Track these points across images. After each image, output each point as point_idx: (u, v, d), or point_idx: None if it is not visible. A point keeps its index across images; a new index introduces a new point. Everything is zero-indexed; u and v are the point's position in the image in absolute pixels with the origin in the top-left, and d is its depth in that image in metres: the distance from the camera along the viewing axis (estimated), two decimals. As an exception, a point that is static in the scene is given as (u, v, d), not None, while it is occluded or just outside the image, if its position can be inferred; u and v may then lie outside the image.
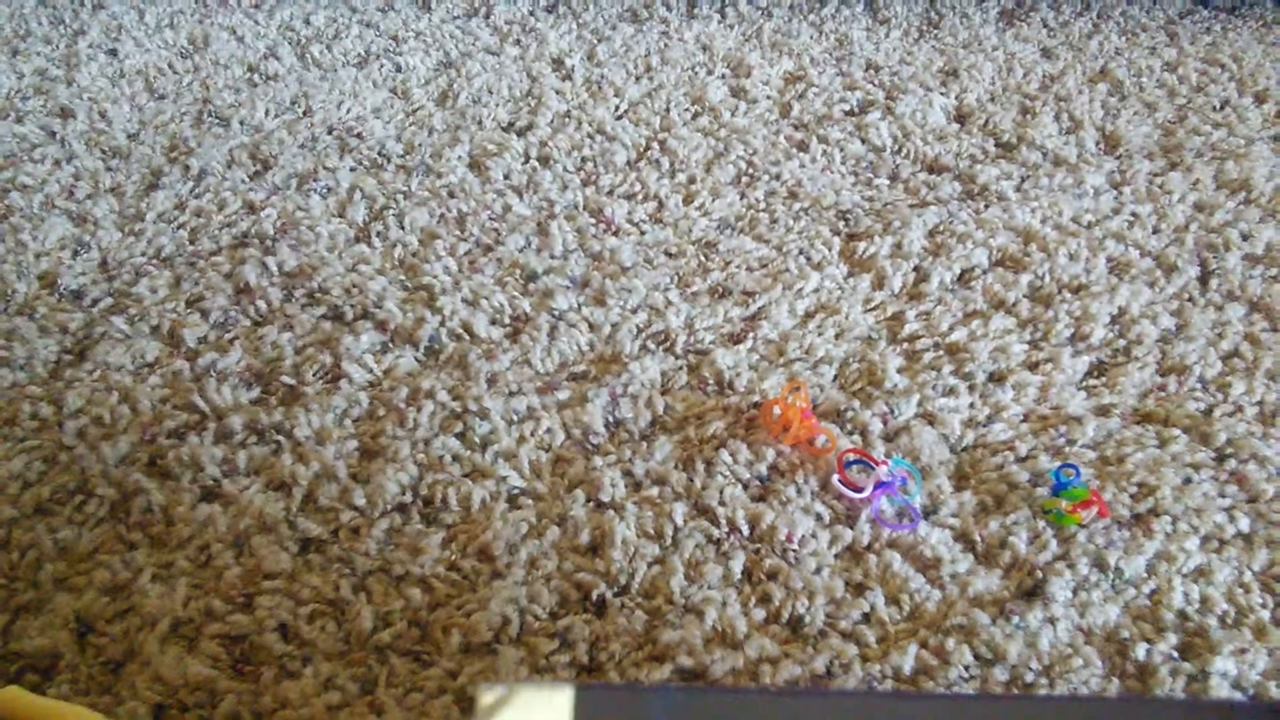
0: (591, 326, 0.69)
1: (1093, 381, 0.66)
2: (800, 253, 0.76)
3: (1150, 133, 0.90)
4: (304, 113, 0.94)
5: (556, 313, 0.70)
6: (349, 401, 0.64)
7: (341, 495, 0.58)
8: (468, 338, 0.69)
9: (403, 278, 0.74)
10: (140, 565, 0.55)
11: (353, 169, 0.86)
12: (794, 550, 0.55)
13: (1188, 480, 0.59)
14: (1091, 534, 0.55)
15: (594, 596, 0.53)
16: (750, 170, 0.86)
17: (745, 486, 0.58)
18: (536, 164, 0.87)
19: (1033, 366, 0.66)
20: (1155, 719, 0.33)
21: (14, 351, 0.68)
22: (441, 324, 0.69)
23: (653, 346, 0.68)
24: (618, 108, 0.95)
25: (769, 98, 0.97)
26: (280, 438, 0.61)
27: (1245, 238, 0.77)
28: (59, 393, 0.64)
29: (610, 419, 0.62)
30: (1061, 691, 0.49)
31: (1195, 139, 0.89)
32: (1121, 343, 0.68)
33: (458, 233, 0.78)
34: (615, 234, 0.78)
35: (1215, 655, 0.50)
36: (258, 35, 1.09)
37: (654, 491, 0.58)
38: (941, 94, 0.96)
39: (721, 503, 0.57)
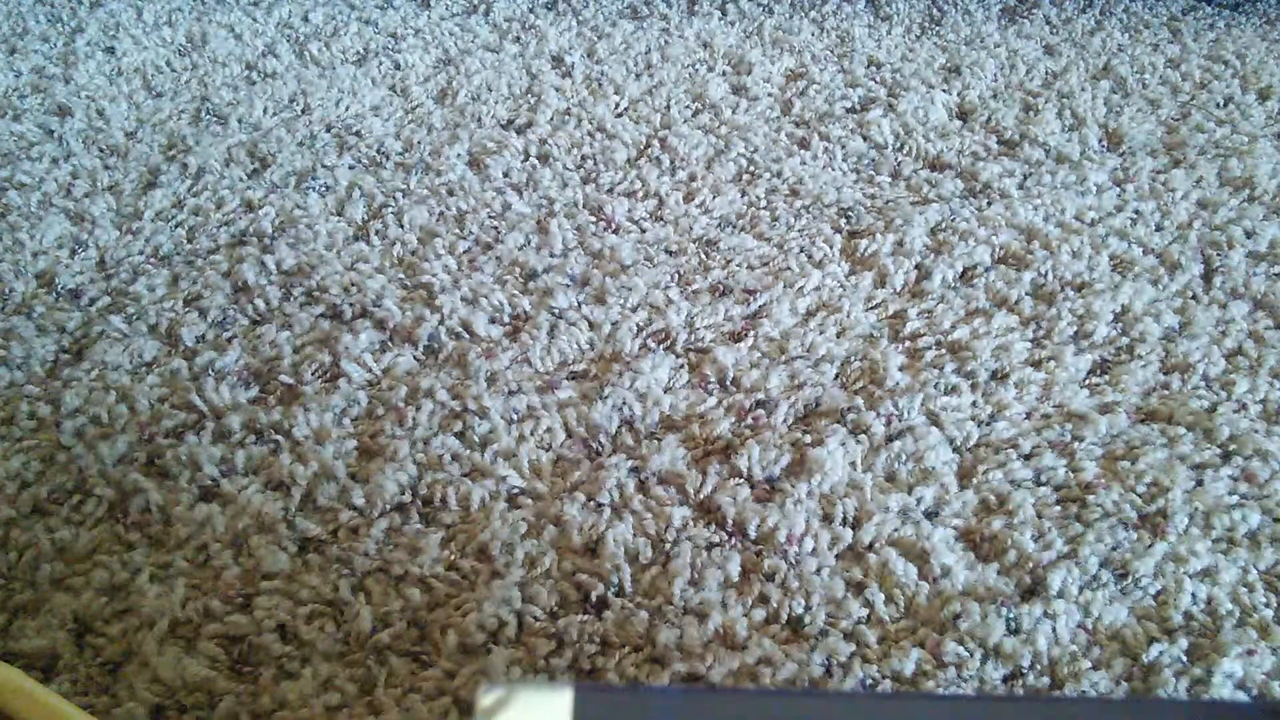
0: (591, 325, 0.69)
1: (1096, 379, 0.65)
2: (801, 250, 0.75)
3: (1153, 130, 0.90)
4: (302, 110, 0.94)
5: (556, 311, 0.70)
6: (348, 400, 0.63)
7: (340, 495, 0.58)
8: (467, 336, 0.68)
9: (401, 276, 0.73)
10: (138, 565, 0.54)
11: (351, 167, 0.85)
12: (794, 550, 0.55)
13: (1195, 479, 0.58)
14: (1100, 534, 0.55)
15: (593, 597, 0.53)
16: (751, 168, 0.85)
17: (753, 486, 0.58)
18: (536, 162, 0.86)
19: (1035, 364, 0.66)
20: (1157, 719, 0.33)
21: (11, 351, 0.67)
22: (441, 322, 0.69)
23: (653, 345, 0.68)
24: (618, 105, 0.94)
25: (770, 95, 0.96)
26: (279, 437, 0.61)
27: (1249, 235, 0.77)
28: (56, 392, 0.64)
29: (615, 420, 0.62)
30: (1069, 693, 0.48)
31: (1199, 136, 0.89)
32: (1124, 340, 0.68)
33: (457, 231, 0.78)
34: (615, 232, 0.78)
35: (1222, 656, 0.50)
36: (256, 33, 1.08)
37: (656, 491, 0.58)
38: (943, 91, 0.96)
39: (721, 506, 0.57)
